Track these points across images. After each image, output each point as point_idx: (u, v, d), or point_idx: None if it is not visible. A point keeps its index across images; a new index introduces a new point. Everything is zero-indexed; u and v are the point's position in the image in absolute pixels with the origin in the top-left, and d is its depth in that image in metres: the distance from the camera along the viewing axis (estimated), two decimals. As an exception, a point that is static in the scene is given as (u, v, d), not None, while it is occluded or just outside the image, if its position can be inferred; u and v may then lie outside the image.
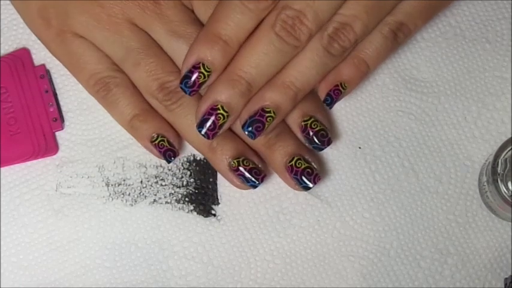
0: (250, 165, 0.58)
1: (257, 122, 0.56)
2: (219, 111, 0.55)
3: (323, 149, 0.58)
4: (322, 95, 0.58)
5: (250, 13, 0.54)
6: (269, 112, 0.56)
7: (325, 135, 0.58)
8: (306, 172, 0.58)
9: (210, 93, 0.55)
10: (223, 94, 0.55)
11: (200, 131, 0.56)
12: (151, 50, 0.57)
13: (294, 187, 0.58)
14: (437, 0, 0.58)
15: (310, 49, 0.55)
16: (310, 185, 0.58)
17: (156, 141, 0.58)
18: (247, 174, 0.58)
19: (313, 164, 0.58)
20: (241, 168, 0.58)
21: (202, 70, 0.55)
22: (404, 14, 0.57)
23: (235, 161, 0.58)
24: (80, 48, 0.58)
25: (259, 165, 0.58)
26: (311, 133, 0.58)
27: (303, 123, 0.58)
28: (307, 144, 0.58)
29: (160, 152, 0.58)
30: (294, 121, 0.58)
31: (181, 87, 0.56)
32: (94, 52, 0.58)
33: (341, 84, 0.58)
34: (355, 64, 0.57)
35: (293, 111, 0.58)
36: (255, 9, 0.54)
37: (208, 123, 0.56)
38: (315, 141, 0.58)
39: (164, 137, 0.58)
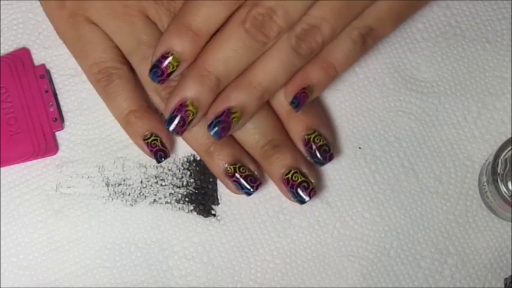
0: (246, 173, 0.58)
1: (223, 123, 0.56)
2: (187, 108, 0.55)
3: (324, 164, 0.58)
4: (289, 97, 0.57)
5: (221, 6, 0.54)
6: (235, 113, 0.56)
7: (328, 150, 0.58)
8: (302, 186, 0.58)
9: (179, 90, 0.55)
10: (192, 90, 0.55)
11: (168, 128, 0.56)
12: None
13: (290, 199, 0.58)
14: (407, 1, 0.58)
15: (278, 49, 0.55)
16: (306, 198, 0.58)
17: (149, 140, 0.58)
18: (242, 181, 0.58)
19: (309, 178, 0.58)
20: (237, 175, 0.58)
21: (171, 60, 0.55)
22: (373, 18, 0.57)
23: (231, 167, 0.58)
24: (90, 34, 0.59)
25: (255, 173, 0.58)
26: (313, 147, 0.58)
27: (306, 137, 0.58)
28: (308, 158, 0.58)
29: (151, 151, 0.58)
30: (297, 134, 0.58)
31: (149, 77, 0.56)
32: (103, 40, 0.58)
33: (308, 87, 0.57)
34: (323, 68, 0.57)
35: (297, 124, 0.58)
36: (227, 2, 0.54)
37: (177, 120, 0.55)
38: (317, 156, 0.58)
39: (157, 137, 0.58)
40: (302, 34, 0.55)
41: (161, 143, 0.58)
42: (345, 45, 0.57)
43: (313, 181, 0.58)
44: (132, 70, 0.59)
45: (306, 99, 0.57)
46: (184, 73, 0.56)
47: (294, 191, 0.57)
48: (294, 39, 0.55)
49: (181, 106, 0.55)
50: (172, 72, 0.55)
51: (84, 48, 0.59)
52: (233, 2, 0.54)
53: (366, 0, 0.56)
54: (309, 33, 0.55)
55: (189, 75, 0.55)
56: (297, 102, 0.57)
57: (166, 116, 0.56)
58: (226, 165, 0.58)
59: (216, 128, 0.56)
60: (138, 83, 0.60)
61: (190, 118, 0.55)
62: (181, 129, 0.56)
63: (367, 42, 0.57)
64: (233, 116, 0.55)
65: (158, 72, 0.55)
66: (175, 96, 0.55)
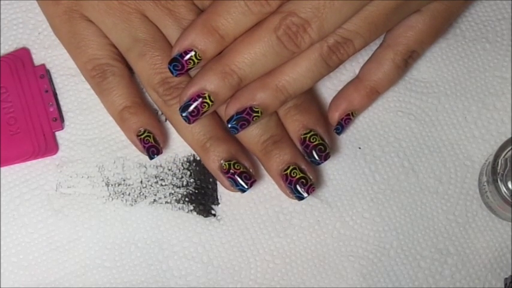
0: (241, 169, 0.58)
1: (243, 120, 0.56)
2: (205, 100, 0.56)
3: (320, 164, 0.58)
4: (333, 122, 0.60)
5: (252, 15, 0.54)
6: (257, 112, 0.56)
7: (323, 149, 0.58)
8: (301, 182, 0.58)
9: (200, 80, 0.56)
10: (212, 84, 0.55)
11: (181, 114, 0.56)
12: (159, 43, 0.58)
13: (288, 195, 0.58)
14: (446, 17, 0.59)
15: (308, 58, 0.55)
16: (304, 195, 0.58)
17: (142, 136, 0.59)
18: (237, 178, 0.58)
19: (308, 174, 0.58)
20: (231, 171, 0.58)
21: (193, 56, 0.55)
22: (415, 42, 0.58)
23: (226, 163, 0.58)
24: (85, 31, 0.59)
25: (250, 170, 0.58)
26: (310, 147, 0.58)
27: (302, 136, 0.58)
28: (306, 157, 0.58)
29: (144, 147, 0.59)
30: (294, 133, 0.58)
31: (168, 68, 0.56)
32: (98, 38, 0.59)
33: (352, 112, 0.59)
34: (367, 94, 0.59)
35: (293, 123, 0.58)
36: (258, 13, 0.54)
37: (192, 108, 0.56)
38: (313, 155, 0.58)
39: (151, 133, 0.59)
40: (334, 46, 0.55)
41: (154, 139, 0.59)
42: (389, 70, 0.59)
43: (311, 177, 0.58)
44: (127, 67, 0.59)
45: (350, 122, 0.60)
46: (206, 65, 0.56)
47: (293, 187, 0.58)
48: (326, 50, 0.55)
49: (199, 96, 0.55)
50: (191, 68, 0.55)
51: (79, 45, 0.59)
52: (265, 12, 0.54)
53: (402, 15, 0.57)
54: (342, 46, 0.55)
55: (212, 68, 0.55)
56: (341, 127, 0.60)
57: (182, 101, 0.56)
58: (222, 161, 0.58)
59: (235, 123, 0.56)
60: (134, 80, 0.60)
61: (204, 109, 0.56)
62: (193, 118, 0.56)
63: (409, 64, 0.59)
64: (254, 114, 0.56)
65: (178, 66, 0.55)
66: (195, 85, 0.56)
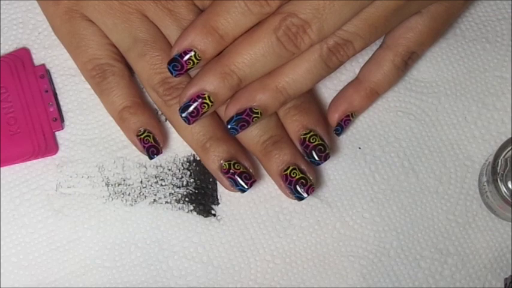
0: (241, 170, 0.58)
1: (243, 121, 0.56)
2: (204, 100, 0.56)
3: (320, 164, 0.58)
4: (333, 123, 0.60)
5: (252, 15, 0.54)
6: (256, 113, 0.56)
7: (323, 150, 0.58)
8: (300, 182, 0.58)
9: (200, 81, 0.56)
10: (212, 84, 0.55)
11: (181, 114, 0.56)
12: (159, 43, 0.58)
13: (288, 195, 0.58)
14: (445, 19, 0.59)
15: (308, 59, 0.55)
16: (304, 195, 0.58)
17: (142, 136, 0.59)
18: (237, 178, 0.58)
19: (308, 174, 0.58)
20: (231, 171, 0.58)
21: (192, 56, 0.55)
22: (415, 43, 0.58)
23: (226, 163, 0.58)
24: (85, 31, 0.59)
25: (250, 170, 0.58)
26: (309, 147, 0.58)
27: (301, 137, 0.58)
28: (305, 157, 0.58)
29: (144, 147, 0.59)
30: (294, 133, 0.58)
31: (168, 69, 0.56)
32: (98, 38, 0.59)
33: (351, 113, 0.59)
34: (367, 95, 0.59)
35: (293, 123, 0.58)
36: (258, 13, 0.54)
37: (191, 109, 0.56)
38: (312, 156, 0.58)
39: (150, 133, 0.59)
40: (334, 48, 0.55)
41: (154, 139, 0.59)
42: (389, 71, 0.59)
43: (311, 178, 0.58)
44: (127, 67, 0.59)
45: (350, 123, 0.60)
46: (206, 66, 0.56)
47: (292, 187, 0.58)
48: (326, 51, 0.55)
49: (198, 97, 0.56)
50: (191, 68, 0.55)
51: (79, 45, 0.59)
52: (265, 13, 0.54)
53: (402, 17, 0.57)
54: (342, 47, 0.55)
55: (211, 69, 0.55)
56: (341, 128, 0.60)
57: (181, 102, 0.56)
58: (222, 162, 0.58)
59: (235, 124, 0.56)
60: (134, 80, 0.60)
61: (204, 110, 0.56)
62: (192, 119, 0.56)
63: (408, 65, 0.59)
64: (254, 116, 0.56)
65: (177, 66, 0.55)
66: (195, 86, 0.56)
